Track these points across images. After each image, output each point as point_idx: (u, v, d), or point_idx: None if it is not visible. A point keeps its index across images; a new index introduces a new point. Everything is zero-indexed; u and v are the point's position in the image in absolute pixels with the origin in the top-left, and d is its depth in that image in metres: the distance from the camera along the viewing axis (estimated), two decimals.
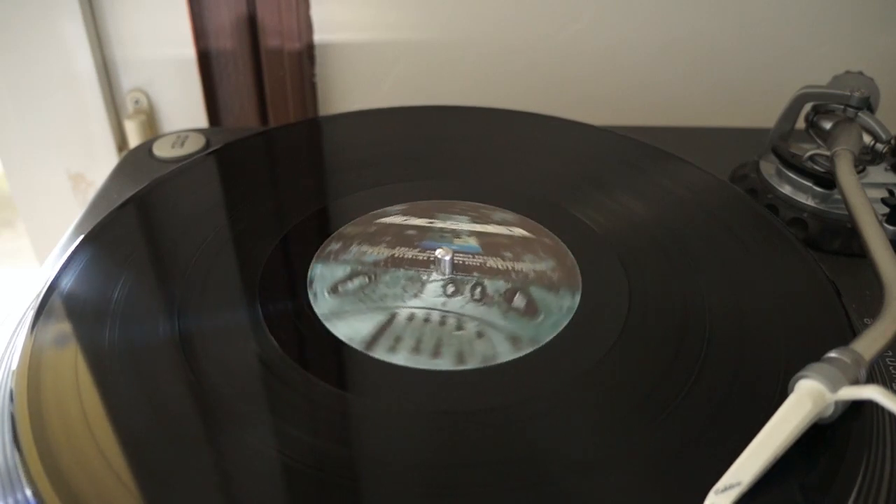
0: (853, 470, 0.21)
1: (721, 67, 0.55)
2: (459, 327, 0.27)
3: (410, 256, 0.30)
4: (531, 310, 0.28)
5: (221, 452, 0.22)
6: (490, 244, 0.31)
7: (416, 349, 0.26)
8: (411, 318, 0.27)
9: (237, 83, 0.55)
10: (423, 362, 0.25)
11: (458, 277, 0.29)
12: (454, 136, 0.40)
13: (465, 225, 0.32)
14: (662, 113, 0.56)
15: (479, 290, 0.29)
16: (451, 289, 0.29)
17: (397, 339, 0.26)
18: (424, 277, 0.29)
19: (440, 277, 0.29)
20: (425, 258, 0.30)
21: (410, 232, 0.32)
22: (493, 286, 0.29)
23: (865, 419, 0.22)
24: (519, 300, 0.28)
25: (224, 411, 0.23)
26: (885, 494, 0.21)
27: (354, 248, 0.31)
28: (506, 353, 0.25)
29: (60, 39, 0.53)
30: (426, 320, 0.27)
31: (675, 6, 0.52)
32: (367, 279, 0.29)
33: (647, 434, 0.22)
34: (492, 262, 0.30)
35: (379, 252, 0.31)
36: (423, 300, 0.28)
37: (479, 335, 0.26)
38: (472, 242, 0.31)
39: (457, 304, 0.28)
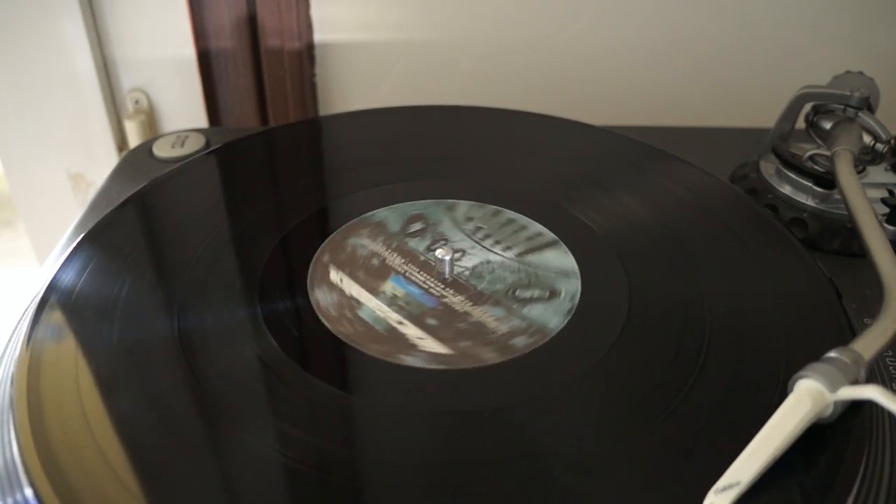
0: (853, 470, 0.21)
1: (721, 67, 0.55)
2: (519, 300, 0.27)
3: (409, 258, 0.30)
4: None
5: (221, 452, 0.22)
6: (441, 233, 0.31)
7: (416, 349, 0.26)
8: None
9: (237, 83, 0.55)
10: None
11: (458, 278, 0.29)
12: (454, 136, 0.40)
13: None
14: (662, 113, 0.56)
15: (478, 290, 0.29)
16: (451, 289, 0.29)
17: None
18: (424, 278, 0.29)
19: (440, 277, 0.29)
20: (425, 259, 0.30)
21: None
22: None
23: (865, 419, 0.22)
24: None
25: (224, 411, 0.23)
26: (885, 494, 0.21)
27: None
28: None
29: (60, 39, 0.53)
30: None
31: (675, 6, 0.52)
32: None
33: (647, 434, 0.22)
34: (463, 245, 0.30)
35: (379, 255, 0.31)
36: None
37: (540, 296, 0.26)
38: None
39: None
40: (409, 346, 0.26)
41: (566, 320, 0.27)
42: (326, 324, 0.27)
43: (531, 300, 0.28)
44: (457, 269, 0.30)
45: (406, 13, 0.54)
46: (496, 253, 0.31)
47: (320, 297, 0.28)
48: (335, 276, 0.29)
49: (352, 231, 0.32)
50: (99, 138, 0.57)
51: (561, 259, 0.30)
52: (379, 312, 0.28)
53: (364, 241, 0.31)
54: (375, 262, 0.30)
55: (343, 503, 0.21)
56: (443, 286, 0.29)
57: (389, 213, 0.33)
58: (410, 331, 0.27)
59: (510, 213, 0.33)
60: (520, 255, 0.30)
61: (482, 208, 0.34)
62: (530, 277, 0.29)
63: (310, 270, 0.30)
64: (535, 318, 0.27)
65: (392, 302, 0.28)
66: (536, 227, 0.32)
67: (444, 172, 0.37)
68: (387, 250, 0.31)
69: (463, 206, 0.34)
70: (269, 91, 0.55)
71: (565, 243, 0.31)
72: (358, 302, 0.28)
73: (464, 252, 0.31)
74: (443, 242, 0.31)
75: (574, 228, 0.32)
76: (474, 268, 0.30)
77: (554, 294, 0.28)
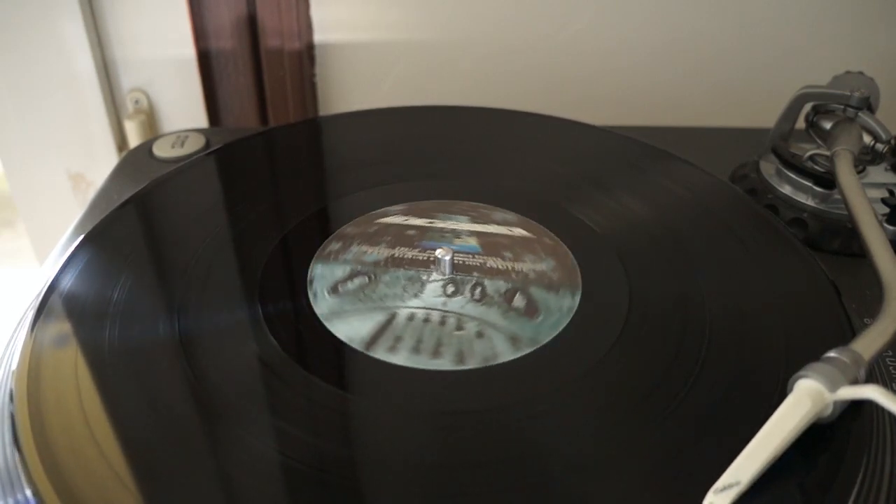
0: (853, 470, 0.21)
1: (721, 67, 0.55)
2: (459, 327, 0.27)
3: (410, 256, 0.30)
4: (531, 310, 0.28)
5: (221, 452, 0.22)
6: (490, 244, 0.31)
7: (416, 349, 0.26)
8: (411, 317, 0.27)
9: (237, 83, 0.55)
10: (423, 362, 0.25)
11: (459, 277, 0.29)
12: (454, 136, 0.40)
13: (465, 225, 0.32)
14: (662, 113, 0.56)
15: (479, 290, 0.29)
16: (451, 289, 0.29)
17: (397, 339, 0.26)
18: (424, 277, 0.29)
19: (440, 277, 0.29)
20: (425, 258, 0.30)
21: (410, 232, 0.32)
22: (493, 286, 0.29)
23: (865, 419, 0.22)
24: (519, 300, 0.28)
25: (224, 411, 0.23)
26: (885, 494, 0.21)
27: (354, 248, 0.31)
28: (506, 353, 0.26)
29: (60, 39, 0.53)
30: (426, 320, 0.27)
31: (675, 6, 0.52)
32: (367, 279, 0.29)
33: (647, 434, 0.22)
34: (492, 263, 0.30)
35: (379, 252, 0.31)
36: (423, 300, 0.28)
37: (479, 335, 0.26)
38: (473, 242, 0.31)
39: (457, 304, 0.28)
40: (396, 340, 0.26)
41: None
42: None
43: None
44: (457, 269, 0.30)
45: (406, 13, 0.54)
46: (496, 253, 0.31)
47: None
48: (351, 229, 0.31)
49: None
50: (99, 138, 0.57)
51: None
52: (399, 302, 0.28)
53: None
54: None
55: (343, 503, 0.21)
56: (440, 283, 0.29)
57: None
58: (379, 316, 0.27)
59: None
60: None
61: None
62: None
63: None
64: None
65: (384, 283, 0.29)
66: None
67: (444, 172, 0.37)
68: (387, 250, 0.31)
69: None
70: (269, 91, 0.55)
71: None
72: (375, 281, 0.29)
73: (464, 252, 0.31)
74: (443, 243, 0.31)
75: (574, 228, 0.32)
76: (474, 268, 0.30)
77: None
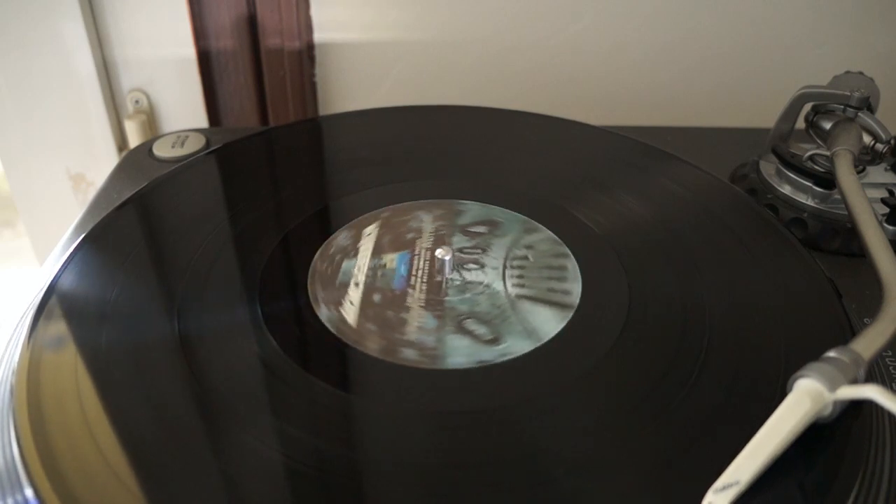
0: (852, 470, 0.21)
1: (721, 67, 0.55)
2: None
3: (409, 255, 0.30)
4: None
5: (221, 452, 0.22)
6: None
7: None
8: (367, 286, 0.28)
9: (237, 83, 0.55)
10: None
11: (458, 277, 0.29)
12: (454, 136, 0.40)
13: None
14: (662, 113, 0.56)
15: (479, 289, 0.29)
16: (427, 285, 0.29)
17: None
18: (422, 265, 0.29)
19: (440, 277, 0.29)
20: (425, 257, 0.30)
21: (410, 235, 0.32)
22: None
23: (865, 419, 0.22)
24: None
25: (224, 411, 0.23)
26: (885, 494, 0.21)
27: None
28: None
29: (60, 39, 0.53)
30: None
31: (675, 6, 0.52)
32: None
33: (647, 434, 0.22)
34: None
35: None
36: (394, 280, 0.28)
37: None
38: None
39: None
40: (337, 303, 0.28)
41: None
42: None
43: (468, 334, 0.27)
44: (452, 274, 0.30)
45: (406, 13, 0.54)
46: (504, 283, 0.29)
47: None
48: (370, 229, 0.31)
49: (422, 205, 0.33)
50: (99, 138, 0.57)
51: (546, 321, 0.27)
52: (356, 269, 0.29)
53: (424, 216, 0.32)
54: (411, 235, 0.31)
55: (343, 503, 0.21)
56: (424, 280, 0.29)
57: (474, 206, 0.34)
58: (353, 293, 0.28)
59: (570, 262, 0.30)
60: (519, 297, 0.28)
61: (554, 246, 0.31)
62: (497, 318, 0.27)
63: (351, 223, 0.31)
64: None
65: (375, 267, 0.29)
66: (573, 286, 0.29)
67: (444, 172, 0.37)
68: (431, 231, 0.31)
69: (540, 236, 0.32)
70: (269, 91, 0.55)
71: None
72: (356, 253, 0.29)
73: (481, 266, 0.30)
74: (479, 252, 0.31)
75: (574, 228, 0.32)
76: (468, 282, 0.29)
77: (495, 342, 0.26)
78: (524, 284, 0.29)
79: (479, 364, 0.25)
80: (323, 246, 0.31)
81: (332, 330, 0.27)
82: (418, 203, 0.34)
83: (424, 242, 0.31)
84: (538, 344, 0.26)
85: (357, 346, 0.26)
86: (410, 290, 0.29)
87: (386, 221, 0.32)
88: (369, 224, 0.32)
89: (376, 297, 0.28)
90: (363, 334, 0.26)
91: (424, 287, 0.29)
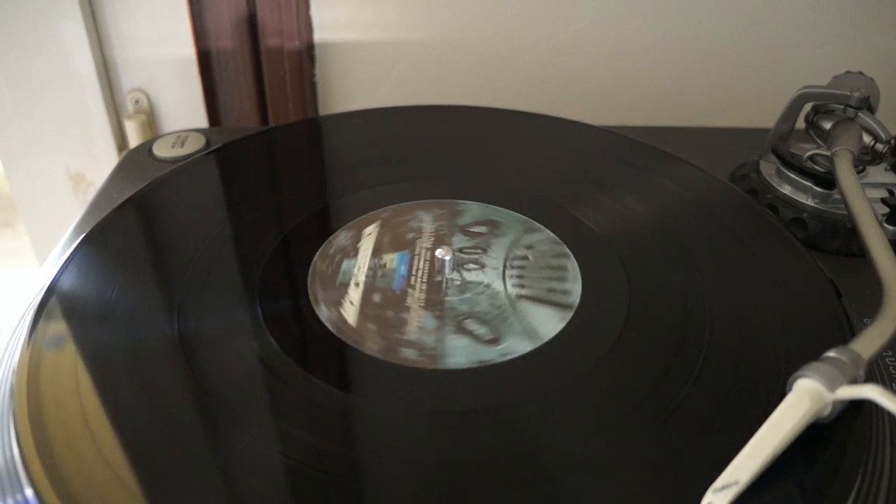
0: (852, 470, 0.21)
1: (721, 67, 0.55)
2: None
3: (409, 255, 0.30)
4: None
5: (221, 452, 0.22)
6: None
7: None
8: (367, 286, 0.28)
9: (237, 83, 0.55)
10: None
11: (458, 277, 0.29)
12: (454, 136, 0.40)
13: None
14: (662, 113, 0.56)
15: (478, 289, 0.29)
16: (450, 289, 0.29)
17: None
18: (422, 266, 0.29)
19: (440, 277, 0.29)
20: (425, 257, 0.30)
21: (409, 235, 0.32)
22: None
23: (864, 419, 0.22)
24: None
25: (224, 411, 0.23)
26: (885, 494, 0.21)
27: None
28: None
29: (60, 39, 0.53)
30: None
31: (675, 6, 0.52)
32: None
33: (647, 434, 0.22)
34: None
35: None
36: (395, 280, 0.28)
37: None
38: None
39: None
40: (337, 303, 0.28)
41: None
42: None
43: (468, 334, 0.26)
44: (452, 274, 0.30)
45: (406, 13, 0.54)
46: (504, 283, 0.29)
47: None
48: (370, 229, 0.31)
49: (422, 205, 0.33)
50: (99, 138, 0.57)
51: (546, 321, 0.27)
52: (356, 269, 0.29)
53: (425, 216, 0.32)
54: (411, 235, 0.31)
55: (343, 503, 0.21)
56: (424, 280, 0.29)
57: (474, 206, 0.34)
58: (353, 293, 0.28)
59: (570, 262, 0.30)
60: (519, 297, 0.28)
61: (554, 246, 0.31)
62: (497, 319, 0.27)
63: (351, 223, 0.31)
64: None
65: (375, 267, 0.29)
66: (573, 286, 0.29)
67: (445, 172, 0.37)
68: (431, 231, 0.31)
69: (540, 236, 0.32)
70: (269, 91, 0.55)
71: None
72: (356, 253, 0.29)
73: (481, 266, 0.30)
74: (479, 252, 0.31)
75: (574, 228, 0.32)
76: (468, 282, 0.29)
77: (495, 342, 0.26)
78: (524, 284, 0.29)
79: (478, 364, 0.25)
80: (323, 246, 0.31)
81: (332, 330, 0.27)
82: (418, 203, 0.34)
83: (424, 242, 0.31)
84: (538, 344, 0.26)
85: (357, 346, 0.26)
86: (410, 290, 0.29)
87: (386, 221, 0.32)
88: (369, 224, 0.32)
89: (376, 297, 0.28)
90: (363, 334, 0.26)
91: (424, 287, 0.29)
